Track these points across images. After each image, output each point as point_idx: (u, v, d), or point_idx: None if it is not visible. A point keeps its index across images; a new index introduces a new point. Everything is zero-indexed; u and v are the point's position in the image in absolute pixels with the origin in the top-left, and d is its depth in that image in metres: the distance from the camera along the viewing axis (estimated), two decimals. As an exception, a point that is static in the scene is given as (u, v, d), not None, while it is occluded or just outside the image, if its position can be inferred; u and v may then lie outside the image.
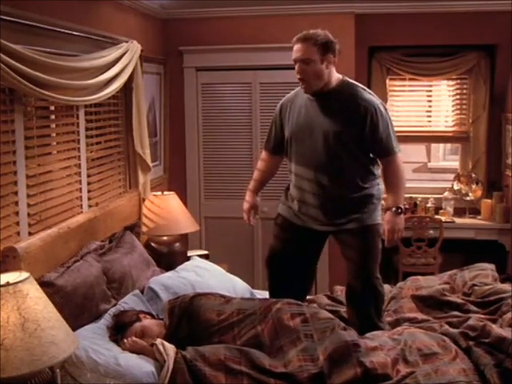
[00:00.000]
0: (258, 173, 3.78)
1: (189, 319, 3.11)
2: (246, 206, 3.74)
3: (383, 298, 3.52)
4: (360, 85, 3.40)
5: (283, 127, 3.53)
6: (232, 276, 4.00)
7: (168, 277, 3.71)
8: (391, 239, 3.36)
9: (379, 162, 3.43)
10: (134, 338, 2.94)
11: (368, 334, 3.09)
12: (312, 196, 3.41)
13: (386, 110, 3.34)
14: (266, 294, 3.77)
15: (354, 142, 3.29)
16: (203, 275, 3.80)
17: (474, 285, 3.61)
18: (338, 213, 3.39)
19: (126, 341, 2.93)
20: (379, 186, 3.45)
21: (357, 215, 3.37)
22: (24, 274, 2.32)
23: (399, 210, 3.33)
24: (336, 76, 3.36)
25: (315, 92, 3.34)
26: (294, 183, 3.50)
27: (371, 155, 3.38)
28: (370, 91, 3.39)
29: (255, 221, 3.79)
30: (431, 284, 3.73)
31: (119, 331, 3.04)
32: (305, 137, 3.38)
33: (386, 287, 3.79)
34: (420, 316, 3.41)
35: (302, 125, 3.40)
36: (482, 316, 3.25)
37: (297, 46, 3.28)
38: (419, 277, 3.91)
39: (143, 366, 2.76)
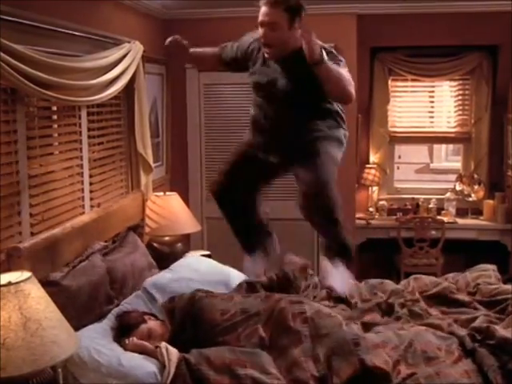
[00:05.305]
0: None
1: (193, 322, 3.10)
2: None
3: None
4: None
5: (242, 62, 3.24)
6: (226, 267, 4.02)
7: (162, 276, 3.70)
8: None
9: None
10: (135, 339, 2.94)
11: (373, 330, 3.07)
12: (269, 122, 3.16)
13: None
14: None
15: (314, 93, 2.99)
16: (198, 269, 3.81)
17: (478, 284, 3.61)
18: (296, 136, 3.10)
19: (127, 341, 2.93)
20: (345, 132, 3.19)
21: (318, 132, 3.08)
22: (26, 274, 2.32)
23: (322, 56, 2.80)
24: (297, 36, 2.94)
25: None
26: (253, 111, 3.25)
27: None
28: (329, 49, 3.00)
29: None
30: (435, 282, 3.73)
31: (125, 333, 3.03)
32: (265, 89, 3.12)
33: (389, 283, 3.78)
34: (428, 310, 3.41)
35: (262, 78, 3.12)
36: (492, 314, 3.26)
37: (265, 9, 2.92)
38: (422, 275, 3.89)
39: (146, 366, 2.75)
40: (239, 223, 3.49)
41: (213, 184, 3.47)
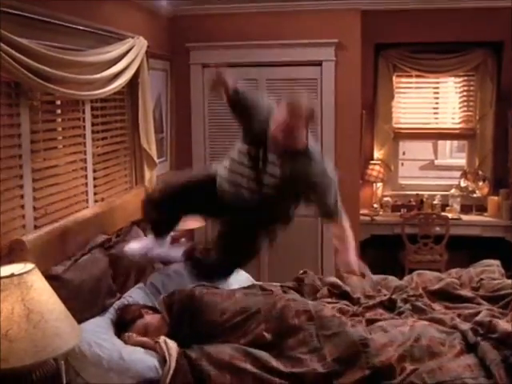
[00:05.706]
0: None
1: (191, 319, 3.09)
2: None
3: None
4: (317, 157, 3.20)
5: (248, 118, 3.42)
6: None
7: (169, 271, 3.71)
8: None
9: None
10: (134, 336, 2.94)
11: (376, 325, 3.08)
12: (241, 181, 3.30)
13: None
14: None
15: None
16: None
17: (482, 279, 3.61)
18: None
19: (126, 336, 2.94)
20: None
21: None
22: (29, 266, 2.33)
23: None
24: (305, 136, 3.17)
25: None
26: (231, 165, 3.41)
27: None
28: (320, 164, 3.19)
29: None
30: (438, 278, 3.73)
31: (122, 328, 3.04)
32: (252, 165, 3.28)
33: (392, 279, 3.78)
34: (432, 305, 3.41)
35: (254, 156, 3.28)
36: (495, 309, 3.25)
37: (291, 119, 3.02)
38: (426, 271, 3.89)
39: (147, 360, 2.77)
40: (162, 220, 3.57)
41: (156, 191, 3.62)
